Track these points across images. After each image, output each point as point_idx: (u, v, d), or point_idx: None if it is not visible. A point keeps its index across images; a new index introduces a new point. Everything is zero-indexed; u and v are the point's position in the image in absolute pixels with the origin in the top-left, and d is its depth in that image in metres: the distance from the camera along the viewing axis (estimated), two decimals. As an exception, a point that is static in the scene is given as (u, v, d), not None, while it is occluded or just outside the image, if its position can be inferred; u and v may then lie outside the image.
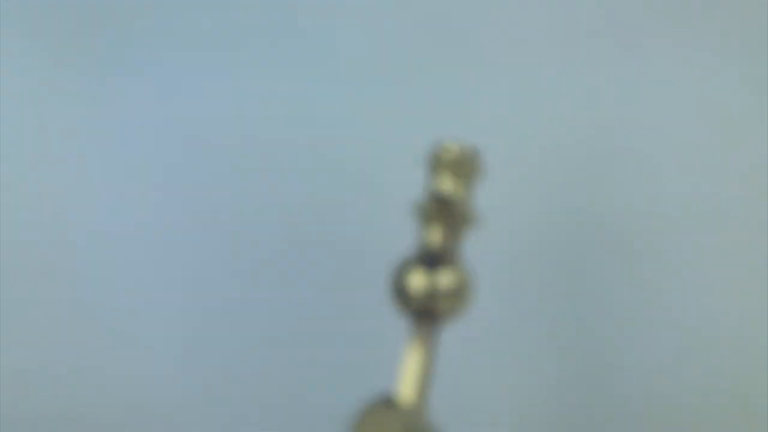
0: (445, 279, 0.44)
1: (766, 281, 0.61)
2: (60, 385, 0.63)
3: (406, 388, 0.43)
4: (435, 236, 0.44)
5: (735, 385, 0.62)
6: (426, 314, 0.44)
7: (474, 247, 0.45)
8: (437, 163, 0.43)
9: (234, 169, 0.64)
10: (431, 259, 0.44)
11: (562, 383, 0.60)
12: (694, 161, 0.62)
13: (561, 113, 0.62)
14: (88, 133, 0.64)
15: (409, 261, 0.44)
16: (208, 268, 0.63)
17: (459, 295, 0.44)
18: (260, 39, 0.63)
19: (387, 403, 0.42)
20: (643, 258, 0.61)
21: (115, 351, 0.64)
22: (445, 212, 0.43)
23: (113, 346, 0.64)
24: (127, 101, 0.65)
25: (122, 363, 0.64)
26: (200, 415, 0.62)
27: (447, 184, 0.44)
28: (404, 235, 0.45)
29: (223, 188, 0.64)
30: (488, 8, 0.62)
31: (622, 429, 0.61)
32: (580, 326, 0.61)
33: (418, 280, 0.44)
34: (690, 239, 0.62)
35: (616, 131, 0.61)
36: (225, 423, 0.62)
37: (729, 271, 0.62)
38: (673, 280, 0.62)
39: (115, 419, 0.63)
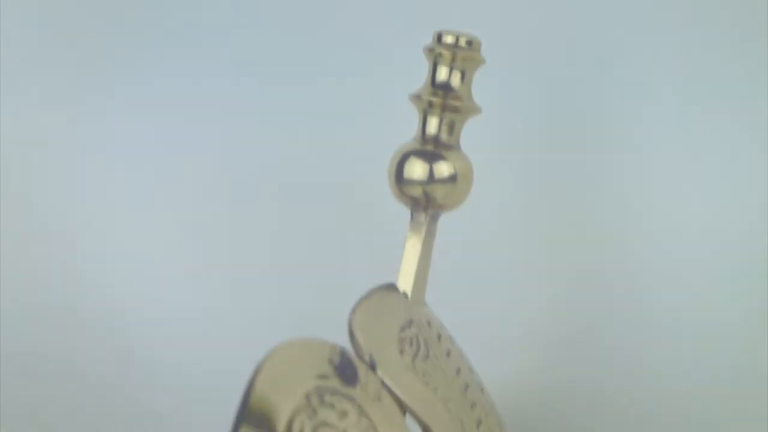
0: (443, 168, 0.44)
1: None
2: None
3: (405, 275, 0.43)
4: (434, 127, 0.44)
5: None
6: (424, 203, 0.44)
7: (472, 138, 0.45)
8: (436, 53, 0.44)
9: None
10: (430, 149, 0.44)
11: (562, 277, 0.60)
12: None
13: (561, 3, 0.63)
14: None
15: (409, 151, 0.44)
16: (212, 180, 0.63)
17: (457, 184, 0.44)
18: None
19: (387, 289, 0.42)
20: (643, 146, 0.61)
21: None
22: (444, 102, 0.44)
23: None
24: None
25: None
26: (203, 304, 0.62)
27: (445, 75, 0.44)
28: (406, 124, 0.45)
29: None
30: None
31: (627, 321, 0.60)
32: (583, 217, 0.60)
33: (417, 170, 0.44)
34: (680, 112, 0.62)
35: (614, 23, 0.62)
36: (231, 317, 0.61)
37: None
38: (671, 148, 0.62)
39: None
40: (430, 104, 0.44)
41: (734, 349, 0.60)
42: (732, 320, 0.59)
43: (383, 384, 0.39)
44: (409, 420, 0.40)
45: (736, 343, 0.60)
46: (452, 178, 0.45)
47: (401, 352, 0.41)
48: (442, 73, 0.45)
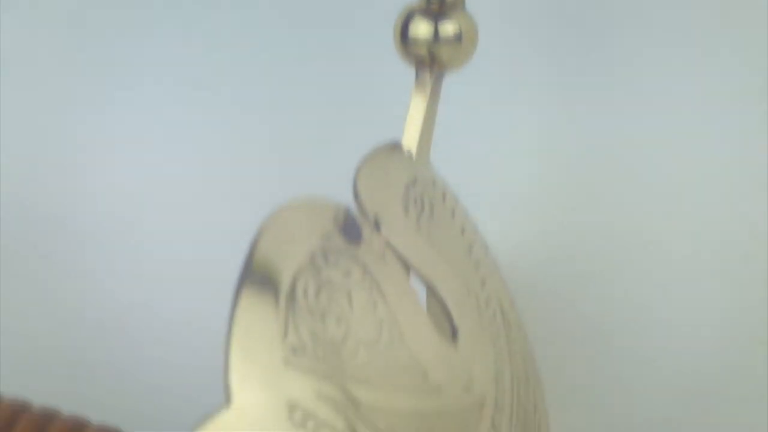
0: (449, 28, 0.44)
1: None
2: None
3: (410, 135, 0.43)
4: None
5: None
6: (429, 62, 0.44)
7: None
8: None
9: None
10: (435, 8, 0.43)
11: (568, 143, 0.60)
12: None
13: None
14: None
15: (414, 10, 0.44)
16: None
17: (462, 44, 0.44)
18: None
19: (392, 148, 0.42)
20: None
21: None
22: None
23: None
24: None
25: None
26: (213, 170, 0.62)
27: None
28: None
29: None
30: None
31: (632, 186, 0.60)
32: (590, 79, 0.60)
33: (422, 29, 0.43)
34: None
35: None
36: (238, 179, 0.61)
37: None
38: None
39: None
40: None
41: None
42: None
43: (387, 243, 0.39)
44: (413, 279, 0.40)
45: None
46: (457, 38, 0.44)
47: (406, 211, 0.41)
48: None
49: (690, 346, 0.59)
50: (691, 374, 0.58)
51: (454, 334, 0.40)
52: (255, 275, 0.35)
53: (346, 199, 0.39)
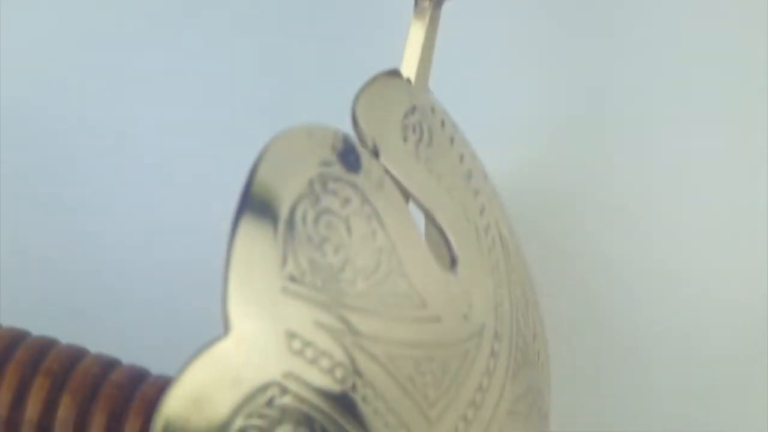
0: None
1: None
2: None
3: (409, 62, 0.43)
4: None
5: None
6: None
7: None
8: None
9: None
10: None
11: (568, 74, 0.60)
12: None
13: None
14: None
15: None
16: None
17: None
18: None
19: (391, 75, 0.41)
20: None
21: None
22: None
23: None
24: None
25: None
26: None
27: None
28: None
29: None
30: None
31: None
32: (592, 20, 0.60)
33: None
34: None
35: None
36: (235, 110, 0.61)
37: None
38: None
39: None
40: None
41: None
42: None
43: (386, 171, 0.39)
44: (412, 207, 0.40)
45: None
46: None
47: (404, 138, 0.41)
48: None
49: (683, 253, 0.59)
50: (688, 282, 0.58)
51: (453, 262, 0.40)
52: (253, 203, 0.35)
53: (346, 128, 0.39)
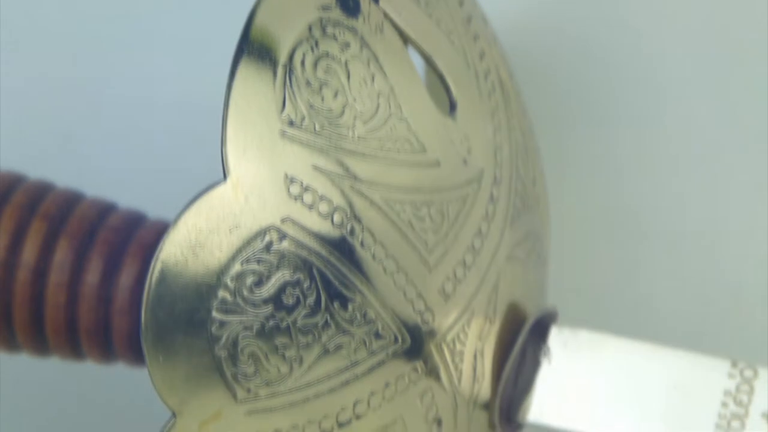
0: None
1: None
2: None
3: None
4: None
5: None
6: None
7: None
8: None
9: None
10: None
11: None
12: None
13: None
14: None
15: None
16: None
17: None
18: None
19: None
20: None
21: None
22: None
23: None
24: None
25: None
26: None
27: None
28: None
29: None
30: None
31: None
32: None
33: None
34: None
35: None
36: None
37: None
38: None
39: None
40: None
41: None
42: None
43: (385, 15, 0.38)
44: (411, 52, 0.39)
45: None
46: None
47: None
48: None
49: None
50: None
51: (452, 107, 0.40)
52: (252, 47, 0.35)
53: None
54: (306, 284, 0.36)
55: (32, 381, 0.57)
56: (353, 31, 0.37)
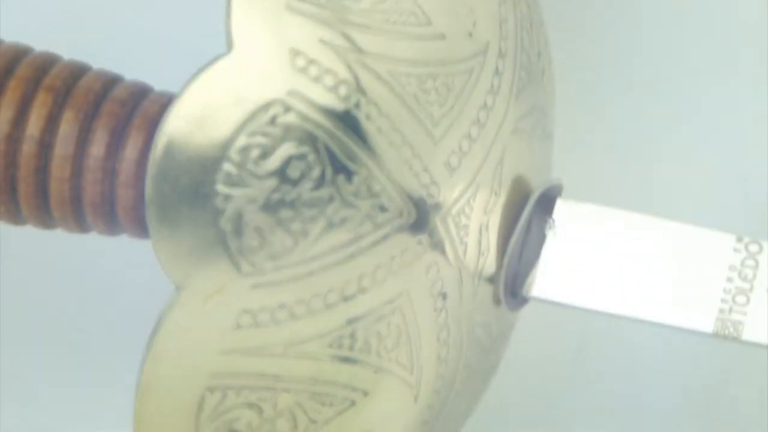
0: None
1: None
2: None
3: None
4: None
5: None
6: None
7: None
8: None
9: None
10: None
11: None
12: None
13: None
14: None
15: None
16: None
17: None
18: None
19: None
20: None
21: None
22: None
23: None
24: None
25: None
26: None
27: None
28: None
29: None
30: None
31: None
32: None
33: None
34: None
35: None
36: None
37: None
38: None
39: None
40: None
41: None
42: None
43: None
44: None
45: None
46: None
47: None
48: None
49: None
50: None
51: (457, -21, 0.40)
52: None
53: None
54: (311, 157, 0.36)
55: (35, 252, 0.57)
56: None
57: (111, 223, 0.41)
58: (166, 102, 0.39)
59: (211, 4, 0.39)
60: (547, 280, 0.43)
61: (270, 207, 0.35)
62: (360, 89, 0.36)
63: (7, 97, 0.40)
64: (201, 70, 0.35)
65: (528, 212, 0.42)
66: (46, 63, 0.41)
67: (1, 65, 0.40)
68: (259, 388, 0.37)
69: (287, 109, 0.35)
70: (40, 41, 0.43)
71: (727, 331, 0.41)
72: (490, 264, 0.42)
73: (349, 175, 0.37)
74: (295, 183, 0.36)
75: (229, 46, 0.35)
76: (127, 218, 0.40)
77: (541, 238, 0.43)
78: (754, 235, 0.42)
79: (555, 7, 0.51)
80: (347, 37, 0.36)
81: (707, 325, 0.41)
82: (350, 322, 0.38)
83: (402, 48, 0.38)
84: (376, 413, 0.40)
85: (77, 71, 0.41)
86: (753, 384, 0.55)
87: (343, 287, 0.37)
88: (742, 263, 0.41)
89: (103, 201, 0.40)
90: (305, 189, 0.36)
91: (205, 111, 0.35)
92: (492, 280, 0.42)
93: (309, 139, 0.36)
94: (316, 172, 0.36)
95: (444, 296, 0.40)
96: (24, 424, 0.57)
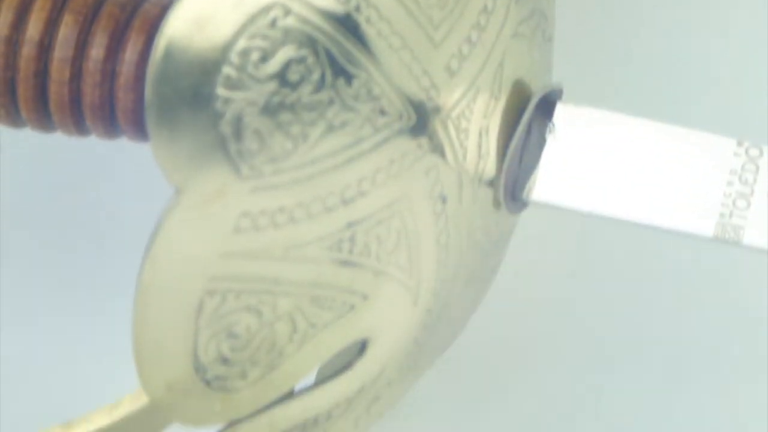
0: None
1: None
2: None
3: None
4: None
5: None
6: None
7: None
8: None
9: None
10: None
11: None
12: None
13: None
14: None
15: None
16: None
17: None
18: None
19: None
20: None
21: None
22: None
23: None
24: None
25: None
26: None
27: None
28: None
29: None
30: None
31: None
32: None
33: None
34: None
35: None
36: None
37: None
38: None
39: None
40: None
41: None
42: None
43: None
44: None
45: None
46: None
47: None
48: None
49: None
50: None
51: None
52: None
53: None
54: (311, 60, 0.36)
55: (36, 149, 0.57)
56: None
57: (110, 127, 0.41)
58: (166, 4, 0.39)
59: None
60: (547, 184, 0.43)
61: (270, 110, 0.36)
62: (360, -8, 0.36)
63: (7, 1, 0.40)
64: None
65: (528, 116, 0.43)
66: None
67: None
68: (259, 291, 0.38)
69: (287, 11, 0.35)
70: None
71: (727, 236, 0.42)
72: (489, 168, 0.42)
73: (348, 78, 0.37)
74: (294, 86, 0.36)
75: (228, -53, 0.35)
76: (127, 121, 0.40)
77: (541, 142, 0.43)
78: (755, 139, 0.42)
79: None
80: None
81: (707, 230, 0.42)
82: (350, 225, 0.38)
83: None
84: (375, 317, 0.41)
85: None
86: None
87: (343, 191, 0.38)
88: (743, 167, 0.42)
89: (103, 104, 0.40)
90: (305, 92, 0.36)
91: (206, 13, 0.35)
92: (492, 183, 0.42)
93: (309, 42, 0.36)
94: (315, 76, 0.36)
95: (443, 200, 0.40)
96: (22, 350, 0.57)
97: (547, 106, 0.43)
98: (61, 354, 0.56)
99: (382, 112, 0.38)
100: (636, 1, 0.59)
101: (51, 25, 0.40)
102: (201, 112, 0.35)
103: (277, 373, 0.40)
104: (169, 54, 0.35)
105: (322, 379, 0.42)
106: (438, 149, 0.39)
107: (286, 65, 0.36)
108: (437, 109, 0.39)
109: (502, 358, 0.53)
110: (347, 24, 0.36)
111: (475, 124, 0.40)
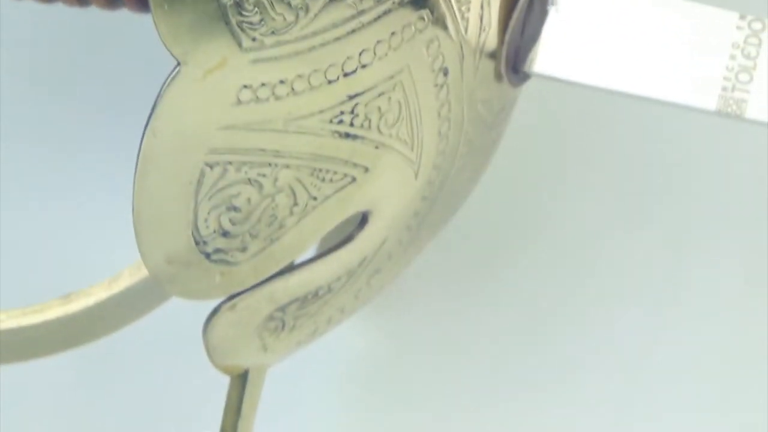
0: None
1: None
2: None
3: None
4: None
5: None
6: None
7: None
8: None
9: None
10: None
11: None
12: None
13: None
14: None
15: None
16: None
17: None
18: None
19: None
20: None
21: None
22: None
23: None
24: None
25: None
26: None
27: None
28: None
29: None
30: None
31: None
32: None
33: None
34: None
35: None
36: None
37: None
38: None
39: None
40: None
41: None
42: None
43: None
44: None
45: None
46: None
47: None
48: None
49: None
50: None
51: None
52: None
53: None
54: None
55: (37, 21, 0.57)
56: None
57: (111, -3, 0.41)
58: None
59: None
60: (549, 56, 0.43)
61: (271, -19, 0.36)
62: None
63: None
64: None
65: (530, -13, 0.42)
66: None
67: None
68: (259, 164, 0.38)
69: None
70: None
71: (729, 109, 0.42)
72: (491, 39, 0.42)
73: None
74: None
75: None
76: (127, -8, 0.40)
77: (543, 15, 0.43)
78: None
79: None
80: None
81: (710, 103, 0.42)
82: (351, 97, 0.38)
83: None
84: (376, 189, 0.41)
85: None
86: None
87: (344, 63, 0.38)
88: (745, 41, 0.42)
89: (103, -27, 0.40)
90: None
91: None
92: (493, 55, 0.42)
93: None
94: None
95: (445, 72, 0.40)
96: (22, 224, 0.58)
97: None
98: (60, 224, 0.56)
99: None
100: None
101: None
102: (202, -18, 0.35)
103: (278, 246, 0.41)
104: None
105: (323, 252, 0.43)
106: (440, 21, 0.39)
107: None
108: (438, -20, 0.39)
109: (500, 234, 0.54)
110: None
111: (476, -5, 0.40)
